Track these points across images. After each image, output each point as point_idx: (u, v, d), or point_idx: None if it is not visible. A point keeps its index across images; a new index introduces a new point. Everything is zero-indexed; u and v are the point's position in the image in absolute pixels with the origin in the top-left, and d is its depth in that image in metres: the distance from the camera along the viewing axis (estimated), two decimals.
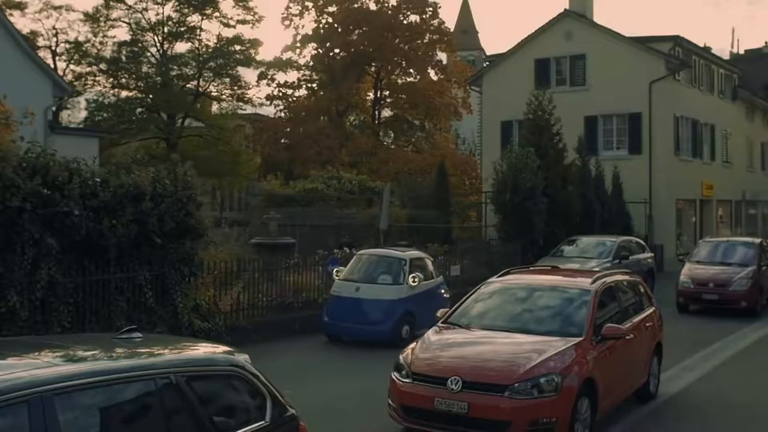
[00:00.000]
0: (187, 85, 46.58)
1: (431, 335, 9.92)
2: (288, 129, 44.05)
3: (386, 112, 47.27)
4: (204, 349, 5.89)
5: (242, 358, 5.83)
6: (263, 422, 5.51)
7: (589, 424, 9.06)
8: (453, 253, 21.70)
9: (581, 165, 28.33)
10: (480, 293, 10.84)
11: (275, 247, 20.56)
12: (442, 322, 10.31)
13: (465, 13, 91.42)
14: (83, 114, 47.39)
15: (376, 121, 46.29)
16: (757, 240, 22.53)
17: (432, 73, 45.25)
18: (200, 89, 46.07)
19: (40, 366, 4.83)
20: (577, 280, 11.04)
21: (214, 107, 47.92)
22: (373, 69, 45.04)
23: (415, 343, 9.74)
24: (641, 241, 21.79)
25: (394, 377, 9.26)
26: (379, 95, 45.57)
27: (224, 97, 46.36)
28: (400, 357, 9.46)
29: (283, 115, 46.11)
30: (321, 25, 43.78)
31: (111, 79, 45.67)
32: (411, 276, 15.55)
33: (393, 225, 24.65)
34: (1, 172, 11.37)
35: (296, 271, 17.30)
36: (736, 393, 12.02)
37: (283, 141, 44.04)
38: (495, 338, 9.63)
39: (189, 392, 4.96)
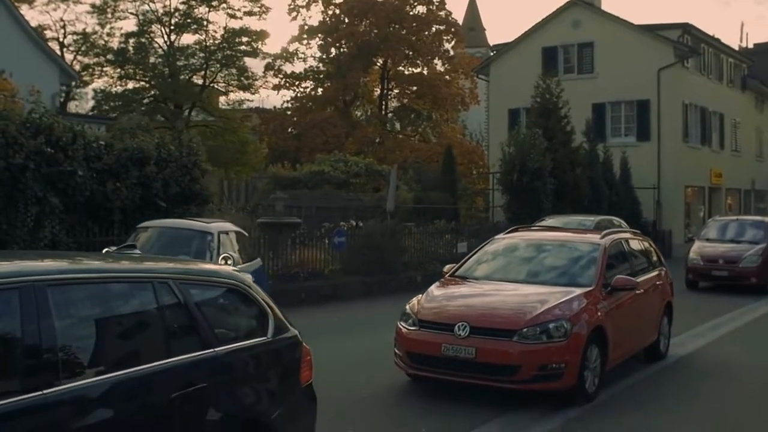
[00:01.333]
0: (194, 77, 46.65)
1: (434, 289, 9.75)
2: (295, 119, 43.93)
3: (393, 102, 47.13)
4: (206, 266, 5.77)
5: (245, 276, 5.72)
6: (264, 338, 5.38)
7: (598, 373, 8.90)
8: (459, 230, 21.54)
9: (589, 148, 28.14)
10: (486, 250, 10.70)
11: (281, 226, 20.46)
12: (448, 276, 10.17)
13: (472, 10, 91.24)
14: (90, 104, 47.42)
15: (383, 112, 46.15)
16: (767, 219, 22.32)
17: (439, 63, 45.12)
18: (207, 80, 46.11)
19: (34, 260, 4.73)
20: (587, 236, 10.91)
21: (222, 100, 48.03)
22: (379, 59, 44.90)
23: (420, 295, 9.60)
24: (623, 222, 21.31)
25: (400, 326, 9.13)
26: (385, 85, 45.43)
27: (231, 88, 46.50)
28: (407, 306, 9.33)
29: (290, 105, 46.03)
30: (328, 16, 43.68)
31: (118, 70, 45.74)
32: (221, 257, 10.89)
33: (399, 206, 24.51)
34: (4, 129, 11.29)
35: (302, 243, 17.18)
36: (742, 356, 11.92)
37: (290, 130, 43.92)
38: (503, 290, 9.48)
39: (187, 299, 4.82)
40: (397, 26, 42.99)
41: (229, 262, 10.15)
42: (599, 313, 9.02)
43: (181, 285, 4.84)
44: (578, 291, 9.12)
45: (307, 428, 5.66)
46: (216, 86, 47.08)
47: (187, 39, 47.12)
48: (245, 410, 5.01)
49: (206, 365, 4.76)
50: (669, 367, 10.98)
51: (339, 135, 40.50)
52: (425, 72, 44.31)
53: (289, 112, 45.32)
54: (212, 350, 4.83)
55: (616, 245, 10.46)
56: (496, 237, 11.11)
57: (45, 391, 3.82)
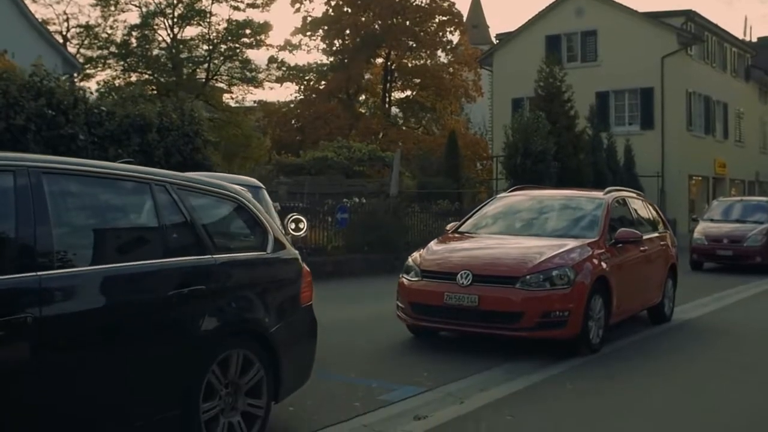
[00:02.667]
0: (198, 69, 46.66)
1: (434, 244, 9.65)
2: (298, 111, 43.90)
3: (397, 94, 47.11)
4: (207, 178, 5.68)
5: (246, 192, 5.67)
6: (264, 253, 5.33)
7: (602, 324, 8.81)
8: (462, 212, 21.43)
9: (593, 134, 28.04)
10: (488, 207, 10.62)
11: (284, 210, 20.42)
12: (450, 233, 10.09)
13: (476, 8, 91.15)
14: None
15: (386, 104, 46.11)
16: None
17: (442, 55, 45.06)
18: (210, 73, 46.12)
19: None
20: (591, 193, 10.85)
21: (225, 97, 48.04)
22: (383, 51, 44.85)
23: (422, 250, 9.51)
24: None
25: (402, 279, 9.06)
26: (389, 77, 45.37)
27: (234, 80, 46.46)
28: (409, 260, 9.27)
29: (293, 97, 46.01)
30: (331, 8, 43.64)
31: (121, 63, 45.76)
32: (291, 218, 9.60)
33: (403, 191, 24.45)
34: (5, 89, 11.25)
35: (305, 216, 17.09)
36: (743, 320, 11.93)
37: (293, 123, 43.89)
38: (505, 243, 9.39)
39: (186, 205, 4.78)
40: (400, 17, 42.94)
41: (300, 224, 9.40)
42: (603, 264, 8.94)
43: (179, 191, 4.80)
44: (582, 242, 9.05)
45: (307, 348, 5.61)
46: (219, 79, 47.10)
47: (191, 32, 47.31)
48: (243, 320, 4.96)
49: (204, 270, 4.72)
50: (671, 329, 10.91)
51: (342, 127, 40.45)
52: (429, 63, 44.23)
53: (292, 105, 45.28)
54: (210, 257, 4.79)
55: (620, 201, 10.39)
56: (499, 195, 11.05)
57: (39, 273, 3.78)
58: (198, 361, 4.54)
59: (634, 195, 11.54)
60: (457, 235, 9.95)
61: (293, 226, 8.48)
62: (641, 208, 11.22)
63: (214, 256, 4.81)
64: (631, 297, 9.70)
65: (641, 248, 10.15)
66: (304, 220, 9.41)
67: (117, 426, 4.09)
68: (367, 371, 7.54)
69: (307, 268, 5.74)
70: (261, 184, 8.86)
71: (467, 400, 6.50)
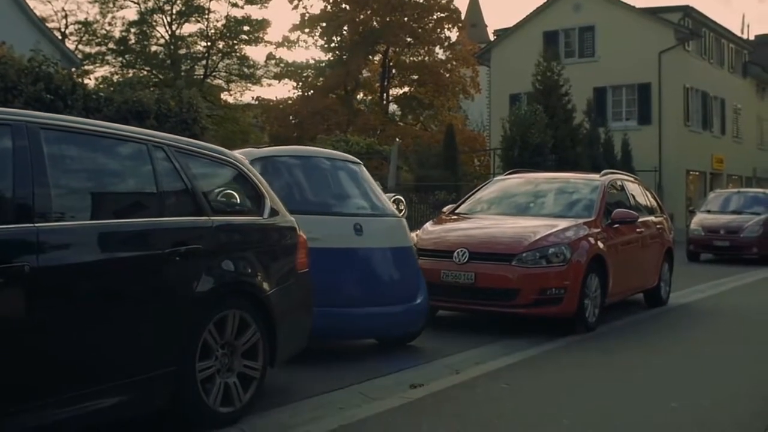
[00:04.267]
0: (196, 66, 46.70)
1: (430, 225, 9.73)
2: (296, 107, 43.89)
3: (395, 91, 47.09)
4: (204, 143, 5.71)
5: (242, 157, 5.71)
6: (259, 218, 5.37)
7: (598, 304, 8.86)
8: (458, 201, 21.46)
9: (590, 128, 28.06)
10: (485, 190, 10.67)
11: None
12: (447, 215, 10.13)
13: (474, 7, 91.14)
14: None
15: (384, 100, 46.11)
16: None
17: (440, 52, 45.04)
18: (208, 70, 46.16)
19: None
20: (587, 176, 10.88)
21: (223, 94, 48.05)
22: (381, 47, 44.85)
23: (418, 230, 9.54)
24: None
25: None
26: (387, 73, 45.36)
27: (232, 77, 46.51)
28: None
29: (291, 94, 46.01)
30: (329, 4, 43.62)
31: (120, 59, 45.80)
32: (393, 198, 9.17)
33: (401, 184, 24.43)
34: (3, 73, 11.26)
35: None
36: (739, 304, 12.00)
37: (291, 118, 43.88)
38: (502, 222, 9.43)
39: (183, 166, 4.81)
40: (398, 14, 42.90)
41: (401, 205, 8.73)
42: (599, 244, 8.98)
43: (177, 153, 4.84)
44: (578, 221, 9.09)
45: (304, 314, 5.64)
46: (217, 75, 47.12)
47: (189, 28, 47.30)
48: (239, 281, 4.98)
49: (200, 230, 4.74)
50: (668, 311, 10.97)
51: (340, 122, 40.41)
52: (427, 60, 44.21)
53: (290, 101, 45.29)
54: (207, 218, 4.82)
55: (615, 184, 10.43)
56: (495, 178, 11.08)
57: (37, 225, 3.80)
58: (194, 320, 4.56)
59: (632, 179, 11.58)
60: (453, 217, 10.00)
61: (395, 206, 8.44)
62: (638, 191, 11.25)
63: (211, 218, 4.84)
64: (627, 277, 9.73)
65: (638, 230, 10.21)
66: (403, 200, 9.16)
67: (112, 378, 4.11)
68: (362, 347, 7.57)
69: (304, 236, 5.76)
70: (359, 161, 8.64)
71: (463, 371, 6.54)
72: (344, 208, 7.23)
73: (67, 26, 46.12)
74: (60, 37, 44.52)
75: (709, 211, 21.14)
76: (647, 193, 11.69)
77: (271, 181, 6.03)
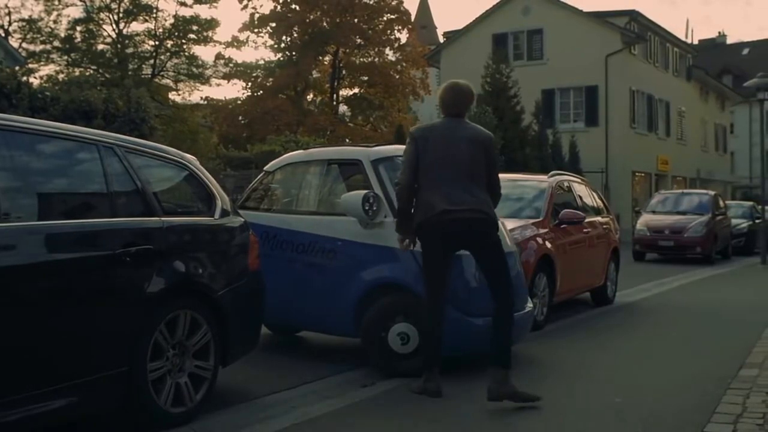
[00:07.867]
0: (143, 65, 46.15)
1: None
2: (246, 107, 43.65)
3: (345, 91, 47.10)
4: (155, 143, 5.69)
5: (192, 157, 5.71)
6: (210, 218, 5.37)
7: (546, 302, 9.00)
8: None
9: (539, 129, 28.43)
10: None
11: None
12: None
13: (423, 9, 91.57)
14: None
15: (335, 102, 46.10)
16: (712, 192, 22.80)
17: (390, 53, 45.18)
18: (156, 69, 45.65)
19: None
20: (535, 177, 11.04)
21: (172, 93, 47.59)
22: (331, 48, 44.84)
23: None
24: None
25: None
26: (337, 74, 45.36)
27: (181, 76, 46.07)
28: None
29: (240, 94, 45.75)
30: (279, 4, 43.46)
31: (65, 57, 45.05)
32: None
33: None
34: None
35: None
36: (682, 301, 12.28)
37: (240, 118, 43.62)
38: None
39: (134, 167, 4.80)
40: (348, 15, 42.92)
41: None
42: (547, 243, 9.12)
43: (127, 153, 4.83)
44: (526, 221, 9.22)
45: (255, 314, 5.65)
46: (166, 75, 46.62)
47: (136, 27, 46.73)
48: (190, 282, 4.97)
49: (151, 231, 4.73)
50: (613, 309, 11.18)
51: (290, 123, 40.26)
52: (377, 61, 44.32)
53: (239, 102, 45.02)
54: (158, 218, 4.81)
55: (563, 185, 10.60)
56: None
57: None
58: (145, 320, 4.55)
59: (579, 180, 11.77)
60: None
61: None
62: (585, 192, 11.44)
63: (162, 218, 4.83)
64: (574, 276, 9.90)
65: (585, 230, 10.38)
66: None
67: (61, 379, 4.08)
68: (315, 346, 7.61)
69: (255, 236, 5.78)
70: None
71: None
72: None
73: (10, 23, 45.25)
74: (3, 35, 43.84)
75: (654, 212, 21.56)
76: (594, 193, 11.89)
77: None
